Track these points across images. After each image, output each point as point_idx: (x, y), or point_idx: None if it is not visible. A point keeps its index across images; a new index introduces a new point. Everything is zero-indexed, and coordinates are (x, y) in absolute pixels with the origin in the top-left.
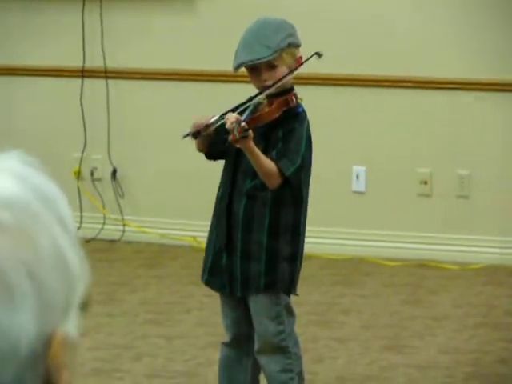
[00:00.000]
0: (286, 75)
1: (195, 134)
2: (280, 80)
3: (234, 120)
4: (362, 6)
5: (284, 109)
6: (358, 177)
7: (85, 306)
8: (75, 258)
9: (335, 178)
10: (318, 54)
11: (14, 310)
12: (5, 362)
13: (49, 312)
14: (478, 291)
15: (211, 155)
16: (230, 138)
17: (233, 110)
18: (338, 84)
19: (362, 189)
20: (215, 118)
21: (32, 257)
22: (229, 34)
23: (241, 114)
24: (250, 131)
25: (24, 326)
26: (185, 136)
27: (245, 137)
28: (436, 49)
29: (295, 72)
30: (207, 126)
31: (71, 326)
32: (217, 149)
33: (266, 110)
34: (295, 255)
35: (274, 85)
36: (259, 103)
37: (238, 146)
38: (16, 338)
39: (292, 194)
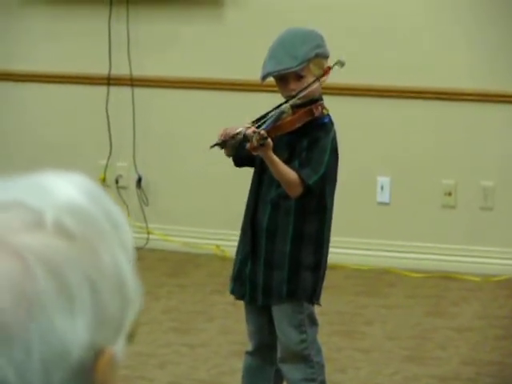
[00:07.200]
0: (310, 84)
1: (222, 144)
2: (304, 89)
3: (254, 128)
4: (389, 18)
5: (307, 119)
6: (382, 188)
7: (131, 337)
8: (133, 283)
9: (360, 189)
10: (341, 63)
11: (72, 317)
12: (55, 364)
13: (103, 328)
14: (500, 303)
15: (239, 162)
16: (248, 145)
17: (259, 119)
18: (363, 95)
19: (386, 200)
20: (241, 128)
21: (95, 270)
22: (257, 42)
23: (264, 123)
24: (269, 140)
25: (79, 334)
26: (212, 146)
27: (262, 145)
28: (462, 59)
29: (322, 82)
30: (233, 136)
31: (118, 349)
32: (244, 155)
33: (288, 119)
34: (318, 265)
35: (298, 94)
36: (283, 112)
37: (256, 153)
38: (70, 343)
39: (316, 203)
